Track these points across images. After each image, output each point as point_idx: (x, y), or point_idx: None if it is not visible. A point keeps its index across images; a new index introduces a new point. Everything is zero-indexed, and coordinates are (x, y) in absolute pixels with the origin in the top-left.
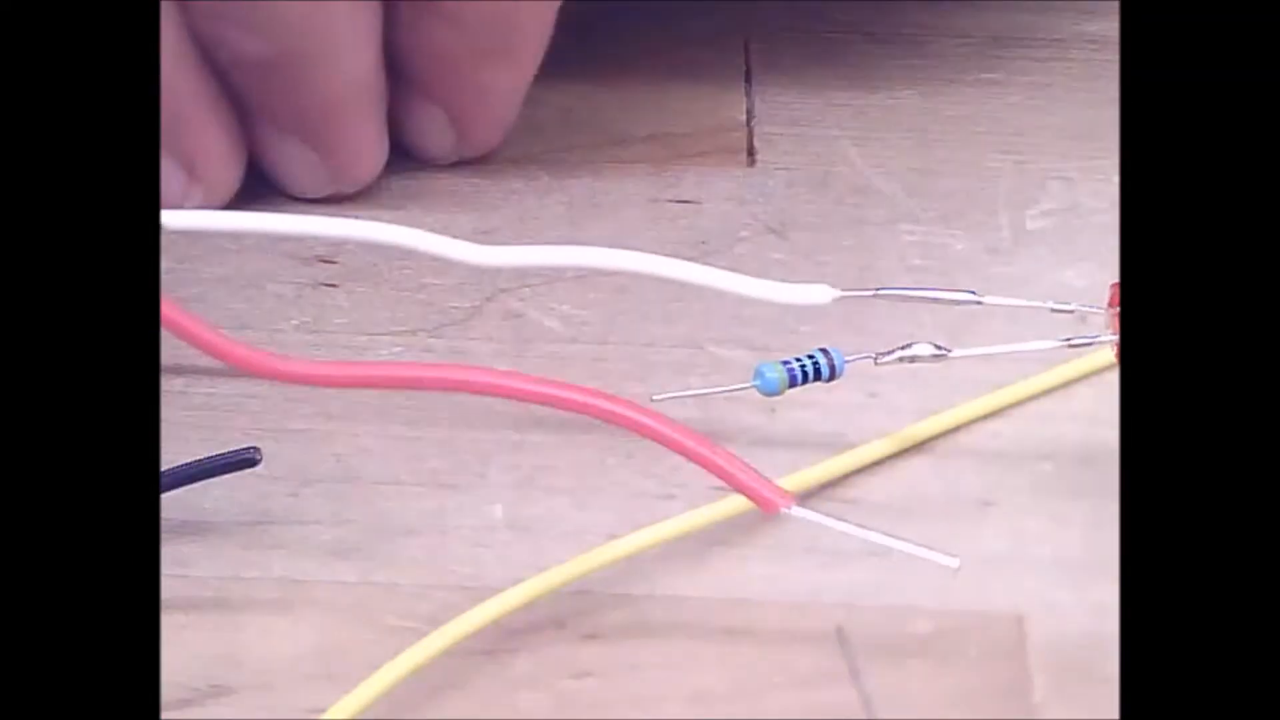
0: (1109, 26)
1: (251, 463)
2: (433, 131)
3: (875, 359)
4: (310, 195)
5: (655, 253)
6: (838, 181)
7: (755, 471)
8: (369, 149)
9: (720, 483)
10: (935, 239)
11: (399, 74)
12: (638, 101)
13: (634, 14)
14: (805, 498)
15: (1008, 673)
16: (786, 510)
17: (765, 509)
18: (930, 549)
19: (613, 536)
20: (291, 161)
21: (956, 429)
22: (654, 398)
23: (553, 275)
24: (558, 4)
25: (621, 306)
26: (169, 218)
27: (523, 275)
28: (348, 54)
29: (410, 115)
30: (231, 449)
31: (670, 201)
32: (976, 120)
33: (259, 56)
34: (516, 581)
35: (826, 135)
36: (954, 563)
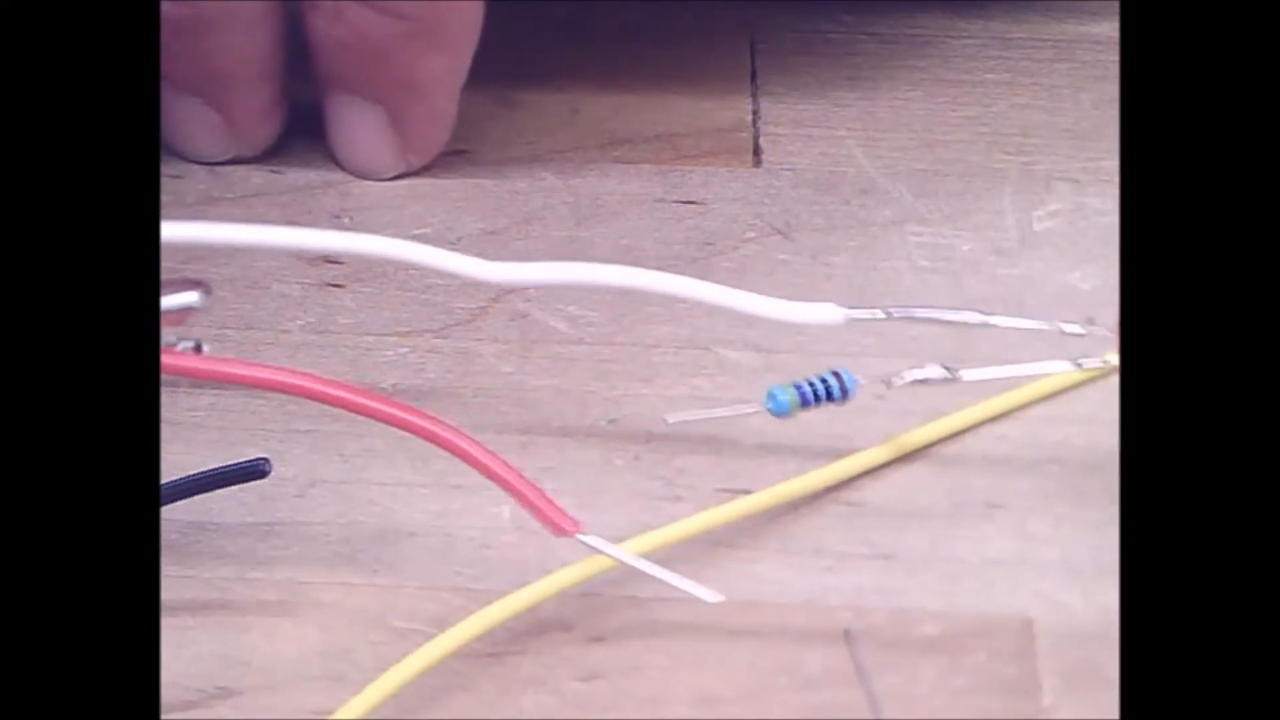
0: (1114, 28)
1: (261, 474)
2: (375, 135)
3: (888, 383)
4: (210, 158)
5: (660, 253)
6: (844, 182)
7: (547, 496)
8: (270, 113)
9: (728, 485)
10: (941, 240)
11: (334, 78)
12: (643, 102)
13: (639, 14)
14: (811, 501)
15: (1016, 675)
16: (578, 536)
17: (554, 532)
18: (694, 584)
19: (620, 538)
20: (193, 123)
21: (963, 432)
22: (667, 419)
23: None
24: None
25: (627, 308)
26: (169, 230)
27: None
28: (259, 21)
29: (350, 120)
30: (239, 455)
31: (676, 202)
32: (983, 121)
33: (177, 18)
34: (523, 583)
35: (832, 136)
36: (715, 598)
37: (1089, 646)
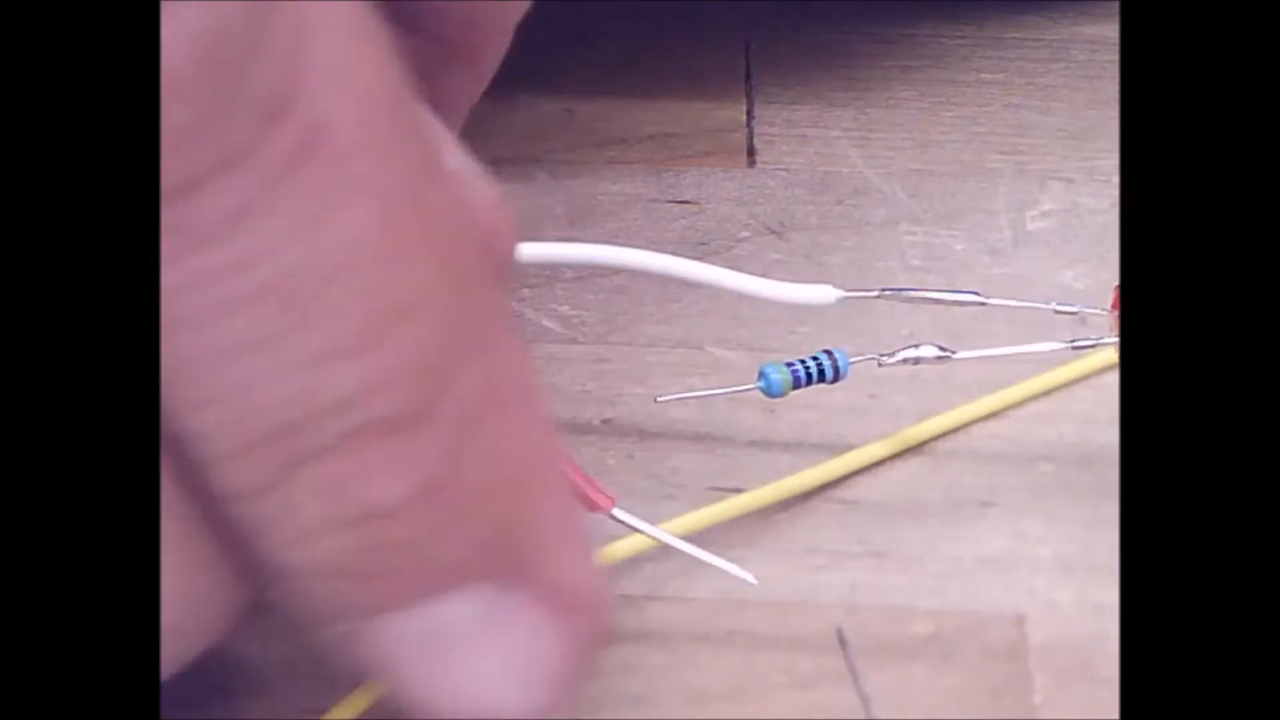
0: (1109, 28)
1: None
2: None
3: (879, 361)
4: None
5: (655, 253)
6: (837, 182)
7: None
8: None
9: (720, 484)
10: (935, 239)
11: None
12: (638, 102)
13: (634, 15)
14: (803, 499)
15: (1008, 674)
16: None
17: (590, 509)
18: (730, 563)
19: (612, 537)
20: None
21: (956, 430)
22: (657, 399)
23: (552, 275)
24: (525, 6)
25: (621, 307)
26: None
27: (522, 276)
28: None
29: None
30: None
31: (670, 202)
32: (977, 121)
33: None
34: None
35: (826, 136)
36: (750, 579)
37: (1081, 645)
